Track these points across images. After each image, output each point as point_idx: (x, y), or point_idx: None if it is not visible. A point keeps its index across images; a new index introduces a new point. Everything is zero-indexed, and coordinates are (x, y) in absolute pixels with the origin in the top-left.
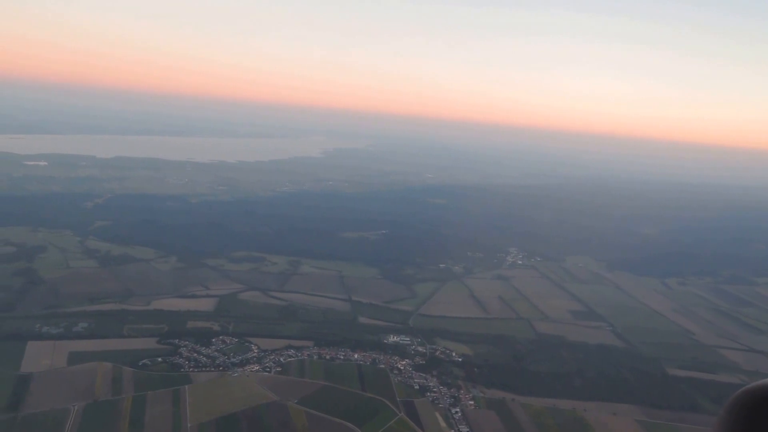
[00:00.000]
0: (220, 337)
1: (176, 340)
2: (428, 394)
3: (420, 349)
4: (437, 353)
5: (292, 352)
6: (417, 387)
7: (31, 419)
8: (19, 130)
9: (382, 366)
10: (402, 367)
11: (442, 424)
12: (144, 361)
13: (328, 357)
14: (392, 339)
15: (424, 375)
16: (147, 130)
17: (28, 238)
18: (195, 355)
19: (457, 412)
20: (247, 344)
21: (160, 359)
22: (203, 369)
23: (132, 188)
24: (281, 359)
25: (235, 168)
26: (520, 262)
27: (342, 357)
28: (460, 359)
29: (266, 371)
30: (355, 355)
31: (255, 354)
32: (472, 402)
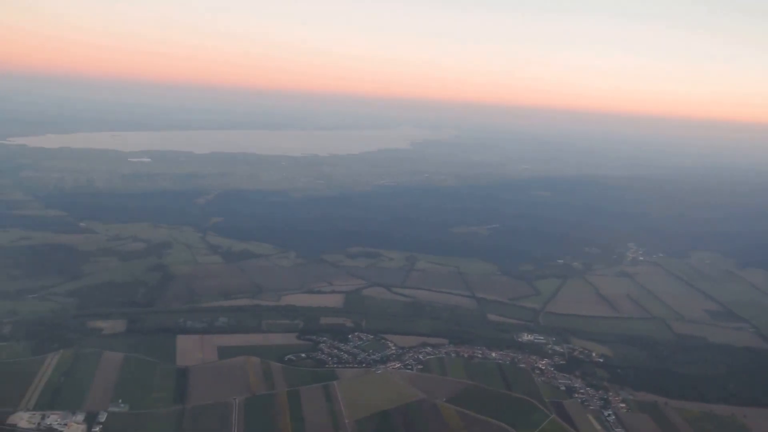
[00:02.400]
0: (356, 334)
1: (314, 336)
2: (576, 395)
3: (557, 348)
4: (576, 353)
5: (429, 349)
6: (563, 388)
7: (199, 411)
8: (116, 127)
9: (523, 365)
10: (543, 367)
11: (597, 426)
12: (289, 356)
13: (465, 355)
14: (526, 337)
15: (567, 375)
16: (234, 124)
17: (152, 234)
18: (335, 351)
19: (610, 415)
20: (383, 341)
21: (303, 355)
22: (347, 365)
23: (235, 184)
24: (420, 357)
25: (328, 162)
26: (641, 258)
27: (480, 355)
28: (600, 360)
29: (408, 369)
30: (493, 354)
31: (393, 351)
32: (623, 405)
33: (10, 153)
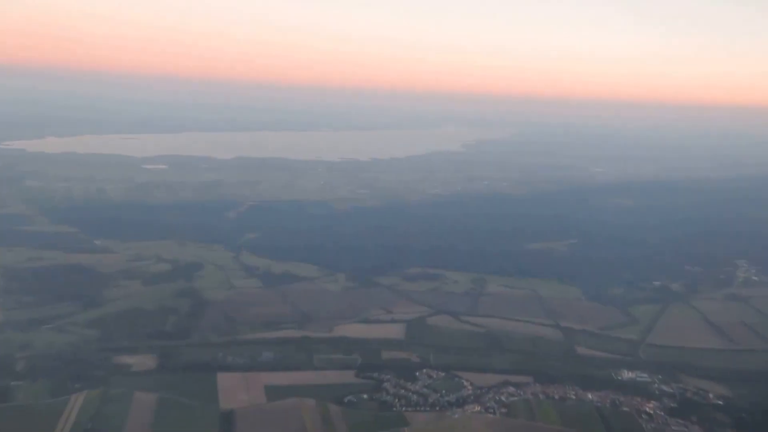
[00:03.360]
0: (424, 371)
1: (375, 374)
2: None
3: (665, 388)
4: (688, 394)
5: (512, 389)
6: None
7: None
8: (125, 129)
9: (626, 409)
10: (651, 411)
11: None
12: (348, 397)
13: (556, 396)
14: (627, 375)
15: (682, 421)
16: (257, 125)
17: (178, 253)
18: (402, 391)
19: None
20: (456, 379)
21: (365, 396)
22: (417, 408)
23: (268, 194)
24: (502, 398)
25: (370, 167)
26: (755, 278)
27: (573, 396)
28: (720, 402)
29: (490, 412)
30: (589, 395)
31: (470, 391)
32: None
33: (9, 159)
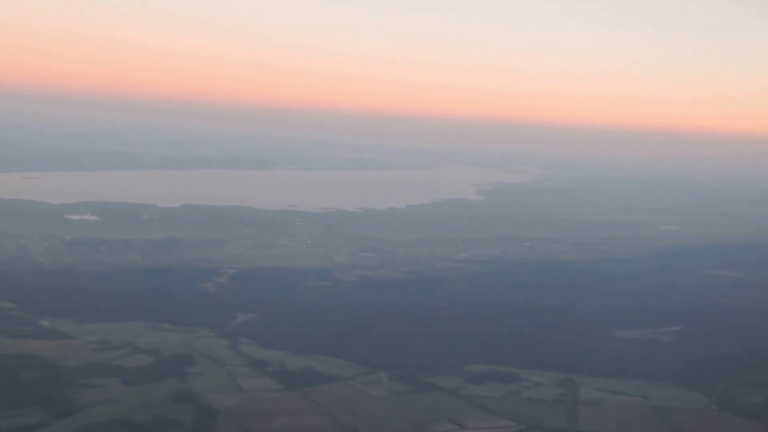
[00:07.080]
0: None
1: None
2: None
3: None
4: None
5: None
6: None
7: None
8: (30, 165)
9: None
10: None
11: None
12: None
13: None
14: None
15: None
16: (196, 161)
17: (155, 340)
18: None
19: None
20: None
21: None
22: None
23: (244, 258)
24: None
25: (364, 221)
26: None
27: None
28: None
29: None
30: None
31: None
32: None
33: None
